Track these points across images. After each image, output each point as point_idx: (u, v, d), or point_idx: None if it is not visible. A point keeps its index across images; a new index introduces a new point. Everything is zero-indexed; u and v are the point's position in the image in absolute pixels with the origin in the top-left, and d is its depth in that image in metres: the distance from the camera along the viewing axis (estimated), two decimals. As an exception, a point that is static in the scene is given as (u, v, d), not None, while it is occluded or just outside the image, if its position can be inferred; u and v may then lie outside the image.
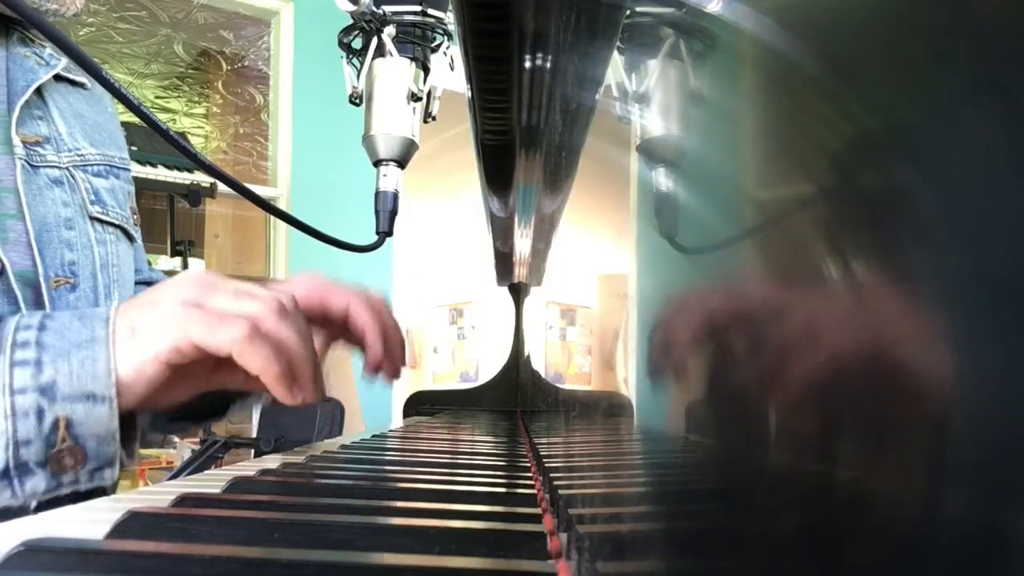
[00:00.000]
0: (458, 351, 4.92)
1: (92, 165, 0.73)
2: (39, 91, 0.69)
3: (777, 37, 0.13)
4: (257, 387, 0.52)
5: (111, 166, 0.75)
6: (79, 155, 0.71)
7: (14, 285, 0.62)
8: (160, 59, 4.12)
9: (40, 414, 0.45)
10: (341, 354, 0.67)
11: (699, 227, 0.17)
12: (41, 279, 0.64)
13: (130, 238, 0.78)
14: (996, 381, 0.07)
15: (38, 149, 0.68)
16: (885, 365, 0.09)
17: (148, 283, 0.86)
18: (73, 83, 0.75)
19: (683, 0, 0.20)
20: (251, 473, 0.37)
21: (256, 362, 0.47)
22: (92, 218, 0.71)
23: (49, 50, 0.73)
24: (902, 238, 0.09)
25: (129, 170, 0.79)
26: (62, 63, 0.72)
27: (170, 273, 2.60)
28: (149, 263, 0.92)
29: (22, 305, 0.62)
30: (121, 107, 0.62)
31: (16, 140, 0.66)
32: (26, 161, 0.66)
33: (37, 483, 0.46)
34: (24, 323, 0.48)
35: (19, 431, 0.45)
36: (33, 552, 0.19)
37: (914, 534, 0.08)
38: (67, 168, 0.70)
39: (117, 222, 0.75)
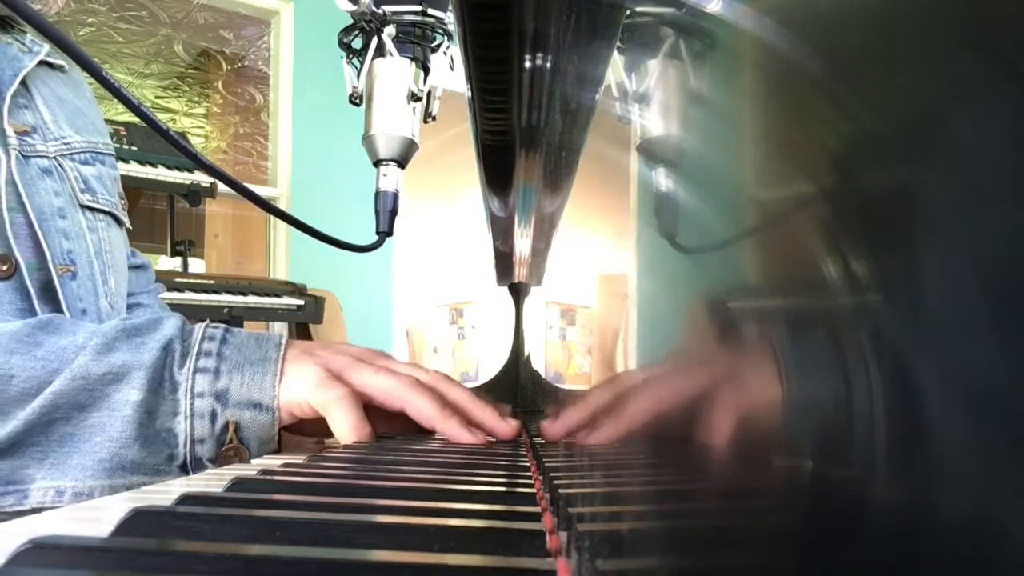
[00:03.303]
0: (458, 351, 4.92)
1: (78, 153, 0.73)
2: (23, 79, 0.69)
3: (777, 37, 0.13)
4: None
5: (96, 152, 0.75)
6: (65, 143, 0.72)
7: (27, 280, 0.63)
8: (160, 59, 4.12)
9: (214, 417, 0.51)
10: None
11: (699, 227, 0.17)
12: (51, 266, 0.66)
13: (120, 223, 0.79)
14: (996, 381, 0.07)
15: (27, 139, 0.68)
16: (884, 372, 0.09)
17: (139, 267, 0.87)
18: (52, 66, 0.75)
19: (683, 0, 0.20)
20: (252, 473, 0.37)
21: (333, 424, 0.52)
22: (83, 206, 0.72)
23: (30, 36, 0.72)
24: (902, 238, 0.09)
25: (113, 155, 0.79)
26: (45, 49, 0.72)
27: (170, 273, 2.55)
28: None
29: (34, 299, 0.63)
30: (120, 106, 0.62)
31: (9, 131, 0.66)
32: (19, 152, 0.66)
33: None
34: (209, 334, 0.53)
35: (196, 430, 0.50)
36: (40, 549, 0.19)
37: (904, 540, 0.08)
38: (55, 158, 0.70)
39: (107, 209, 0.75)
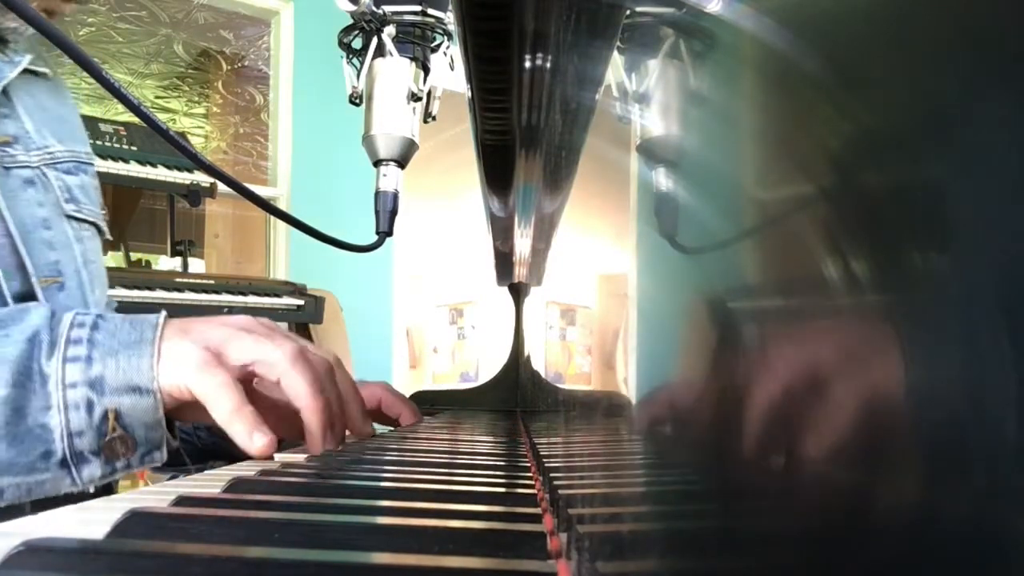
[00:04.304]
0: (458, 351, 4.92)
1: (62, 163, 0.72)
2: (4, 88, 0.68)
3: (777, 37, 0.13)
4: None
5: (79, 162, 0.74)
6: (48, 153, 0.70)
7: (6, 293, 0.62)
8: (160, 59, 4.12)
9: (90, 406, 0.48)
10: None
11: (699, 227, 0.17)
12: (33, 279, 0.64)
13: (101, 233, 0.77)
14: (1001, 383, 0.07)
15: (8, 149, 0.66)
16: (887, 373, 0.09)
17: None
18: (35, 74, 0.73)
19: (683, 0, 0.20)
20: (251, 473, 0.37)
21: (214, 411, 0.49)
22: (68, 216, 0.70)
23: (12, 46, 0.70)
24: (903, 239, 0.09)
25: (94, 164, 0.78)
26: (27, 59, 0.70)
27: (170, 273, 2.55)
28: (149, 263, 0.92)
29: None
30: (120, 106, 0.61)
31: None
32: None
33: (93, 470, 0.49)
34: (78, 321, 0.50)
35: (72, 423, 0.48)
36: (34, 551, 0.19)
37: (911, 540, 0.08)
38: (38, 167, 0.69)
39: (91, 219, 0.74)
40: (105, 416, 0.48)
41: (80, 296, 0.69)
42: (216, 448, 0.68)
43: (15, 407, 0.46)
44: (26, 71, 0.71)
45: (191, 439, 0.71)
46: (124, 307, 1.73)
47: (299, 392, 0.52)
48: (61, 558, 0.19)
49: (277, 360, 0.52)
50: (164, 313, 0.53)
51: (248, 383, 0.53)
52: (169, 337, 0.51)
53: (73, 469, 0.48)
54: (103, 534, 0.23)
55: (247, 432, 0.49)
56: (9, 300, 0.62)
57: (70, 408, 0.47)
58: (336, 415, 0.55)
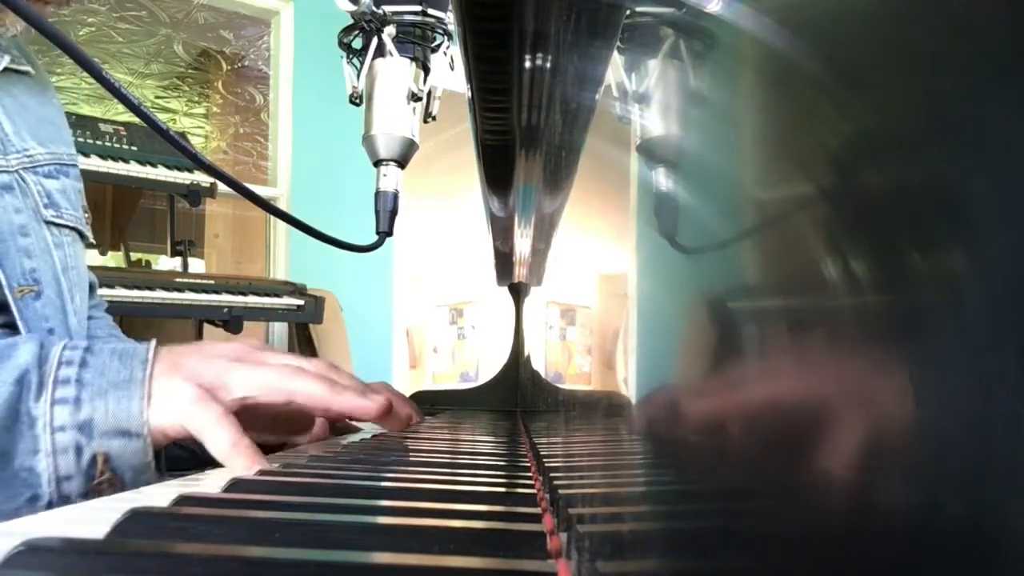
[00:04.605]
0: (458, 351, 4.92)
1: (42, 166, 0.69)
2: None
3: (777, 37, 0.13)
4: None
5: (61, 164, 0.72)
6: (28, 156, 0.68)
7: None
8: (160, 59, 4.12)
9: (79, 450, 0.47)
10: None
11: (699, 227, 0.17)
12: (6, 290, 0.62)
13: (84, 238, 0.75)
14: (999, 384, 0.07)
15: None
16: (885, 373, 0.09)
17: (90, 283, 0.83)
18: (17, 72, 0.70)
19: (683, 0, 0.20)
20: (251, 473, 0.37)
21: (210, 446, 0.48)
22: (47, 222, 0.68)
23: None
24: (902, 239, 0.09)
25: (77, 166, 0.75)
26: (6, 59, 0.68)
27: (170, 273, 2.52)
28: (149, 263, 0.91)
29: None
30: (120, 106, 0.60)
31: None
32: None
33: None
34: (66, 358, 0.49)
35: (60, 467, 0.46)
36: (34, 551, 0.19)
37: (908, 541, 0.08)
38: (16, 172, 0.66)
39: (72, 224, 0.72)
40: (93, 460, 0.47)
41: (59, 304, 0.67)
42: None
43: (3, 451, 0.45)
44: (6, 70, 0.69)
45: (192, 447, 0.70)
46: (124, 307, 1.72)
47: (318, 394, 0.51)
48: (61, 558, 0.19)
49: (277, 379, 0.51)
50: (154, 343, 0.51)
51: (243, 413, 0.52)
52: (159, 376, 0.49)
53: None
54: (103, 534, 0.23)
55: (247, 468, 0.47)
56: None
57: (58, 452, 0.46)
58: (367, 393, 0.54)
